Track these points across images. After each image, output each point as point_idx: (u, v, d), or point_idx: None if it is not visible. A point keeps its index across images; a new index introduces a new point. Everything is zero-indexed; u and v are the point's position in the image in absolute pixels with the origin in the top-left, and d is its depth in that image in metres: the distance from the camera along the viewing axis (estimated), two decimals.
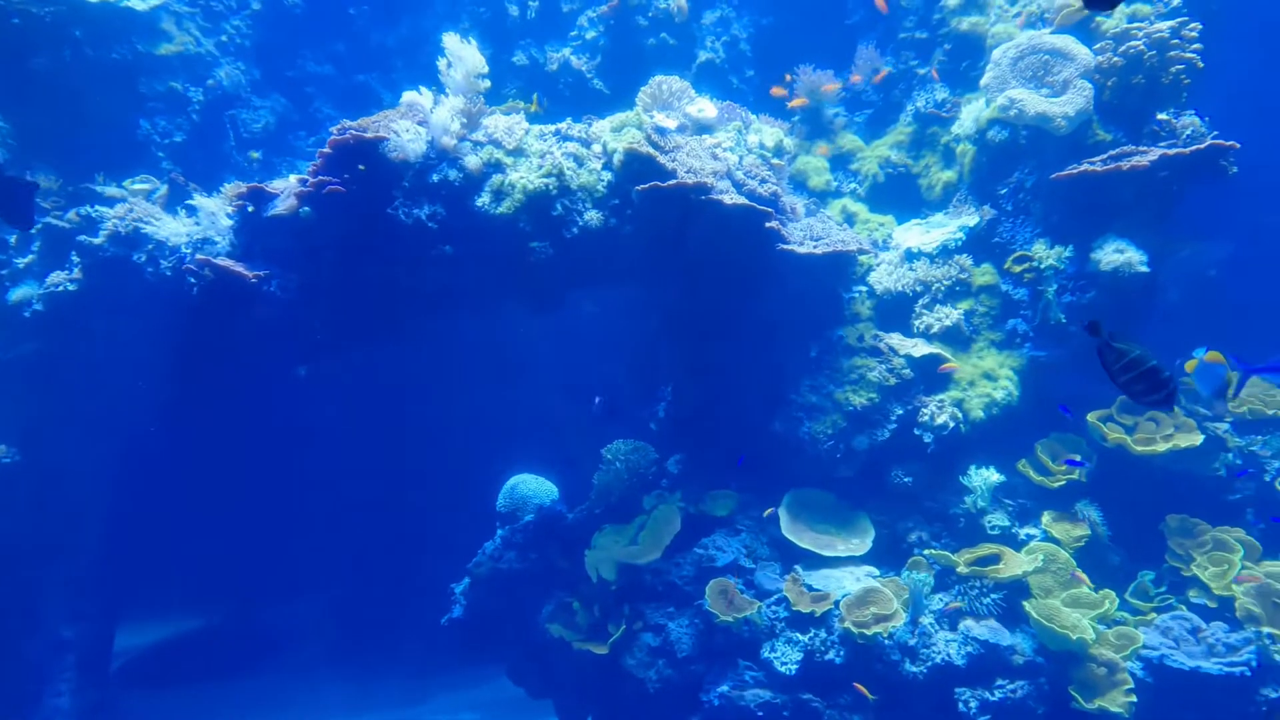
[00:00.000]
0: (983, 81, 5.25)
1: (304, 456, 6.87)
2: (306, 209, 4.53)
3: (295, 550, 7.36)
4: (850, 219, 5.94)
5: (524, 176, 4.60)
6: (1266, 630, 4.20)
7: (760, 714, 4.35)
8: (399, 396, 6.96)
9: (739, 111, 5.63)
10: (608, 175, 4.78)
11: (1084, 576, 4.47)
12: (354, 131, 4.45)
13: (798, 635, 4.51)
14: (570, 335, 7.44)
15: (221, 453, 6.44)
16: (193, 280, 4.60)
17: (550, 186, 4.59)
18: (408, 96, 4.54)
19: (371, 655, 7.90)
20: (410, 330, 5.43)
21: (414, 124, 4.50)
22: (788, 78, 6.00)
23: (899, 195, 6.03)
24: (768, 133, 5.50)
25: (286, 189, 4.63)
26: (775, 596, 4.73)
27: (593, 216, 4.68)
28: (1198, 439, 4.70)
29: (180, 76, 6.30)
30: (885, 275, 5.45)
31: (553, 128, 4.95)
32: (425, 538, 7.09)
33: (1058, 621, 4.19)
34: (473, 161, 4.57)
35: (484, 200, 4.61)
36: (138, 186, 5.70)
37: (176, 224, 5.04)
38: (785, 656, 4.43)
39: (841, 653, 4.42)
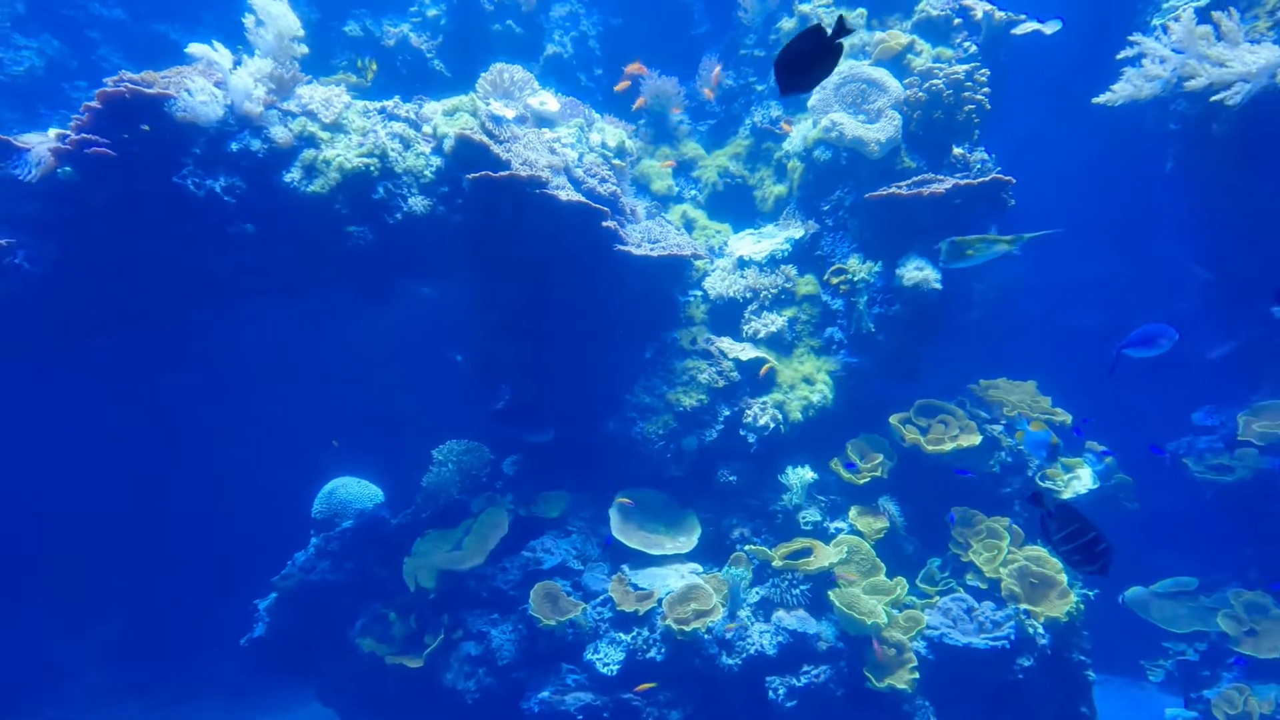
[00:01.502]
0: (810, 103, 5.57)
1: (79, 461, 5.94)
2: (68, 169, 3.87)
3: (76, 570, 6.39)
4: (690, 225, 6.08)
5: (341, 154, 4.24)
6: (1024, 607, 4.79)
7: (580, 717, 4.31)
8: (198, 391, 6.20)
9: (583, 109, 5.57)
10: (437, 160, 4.53)
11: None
12: (131, 84, 3.86)
13: (621, 635, 4.52)
14: (407, 327, 7.03)
15: None
16: None
17: (371, 167, 4.27)
18: (198, 51, 4.01)
19: (173, 681, 7.07)
20: (208, 316, 4.83)
21: (210, 84, 3.99)
22: (634, 67, 5.98)
23: (736, 204, 6.27)
24: (611, 132, 5.49)
25: (42, 144, 3.92)
26: (601, 597, 4.71)
27: (419, 203, 4.41)
28: (977, 439, 5.28)
29: None
30: (719, 281, 5.64)
31: (378, 105, 4.62)
32: (235, 551, 6.41)
33: (856, 608, 4.52)
34: (280, 133, 4.14)
35: (293, 176, 4.19)
36: None
37: None
38: (607, 657, 4.42)
39: (663, 650, 4.49)
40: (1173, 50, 5.18)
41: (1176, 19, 5.20)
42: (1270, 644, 5.22)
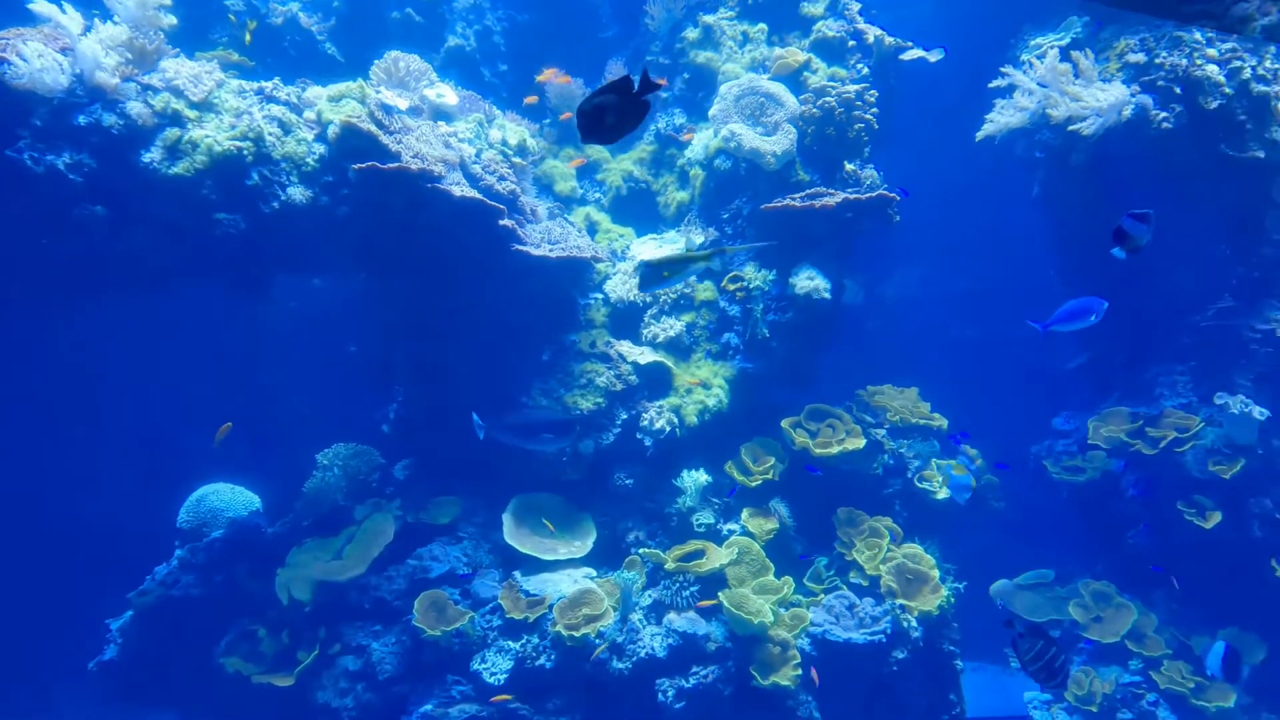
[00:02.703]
0: (711, 113, 5.68)
1: None
2: None
3: None
4: (593, 228, 6.06)
5: (210, 135, 3.94)
6: (900, 602, 5.05)
7: None
8: (41, 391, 5.60)
9: (483, 104, 5.45)
10: (320, 149, 4.30)
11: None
12: None
13: (510, 643, 4.43)
14: (297, 321, 6.64)
15: None
16: None
17: (245, 151, 3.99)
18: (43, 10, 3.62)
19: (11, 711, 6.34)
20: (54, 306, 4.38)
21: (51, 50, 3.61)
22: (551, 73, 5.91)
23: (640, 209, 6.30)
24: (512, 130, 5.39)
25: None
26: (491, 605, 4.60)
27: (299, 192, 4.16)
28: (862, 442, 5.53)
29: None
30: (620, 284, 5.65)
31: (256, 85, 4.33)
32: (86, 566, 5.82)
33: (744, 608, 4.61)
34: (138, 109, 3.80)
35: (154, 156, 3.86)
36: None
37: None
38: (495, 666, 4.32)
39: (553, 657, 4.43)
40: (1038, 84, 5.63)
41: (1042, 56, 5.65)
42: (1112, 629, 5.73)
